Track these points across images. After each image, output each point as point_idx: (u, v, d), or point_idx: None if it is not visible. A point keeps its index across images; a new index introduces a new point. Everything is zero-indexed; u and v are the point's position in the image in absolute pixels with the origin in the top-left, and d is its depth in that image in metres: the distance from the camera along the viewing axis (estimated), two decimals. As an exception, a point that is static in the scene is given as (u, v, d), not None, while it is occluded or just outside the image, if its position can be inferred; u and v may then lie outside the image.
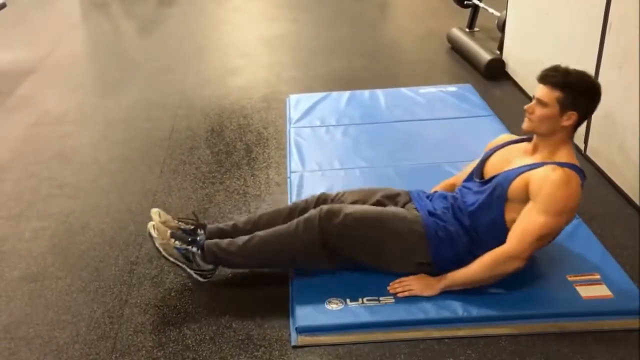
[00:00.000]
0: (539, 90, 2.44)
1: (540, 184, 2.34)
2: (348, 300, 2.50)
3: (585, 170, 3.40)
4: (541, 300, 2.49)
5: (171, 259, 2.58)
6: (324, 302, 2.49)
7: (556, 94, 2.39)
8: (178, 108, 4.57)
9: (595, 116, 3.45)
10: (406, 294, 2.50)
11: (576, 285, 2.53)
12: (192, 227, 2.73)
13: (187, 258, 2.59)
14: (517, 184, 2.41)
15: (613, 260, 2.69)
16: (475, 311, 2.42)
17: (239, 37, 6.38)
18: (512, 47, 4.89)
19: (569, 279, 2.58)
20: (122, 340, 2.43)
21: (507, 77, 4.84)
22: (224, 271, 2.77)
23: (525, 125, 2.49)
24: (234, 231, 2.74)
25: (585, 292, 2.50)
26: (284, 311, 2.52)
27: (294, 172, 3.52)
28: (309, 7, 7.24)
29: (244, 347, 2.37)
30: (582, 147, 3.64)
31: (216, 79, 5.16)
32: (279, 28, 6.51)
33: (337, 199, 2.78)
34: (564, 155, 2.43)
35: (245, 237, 2.61)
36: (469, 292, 2.47)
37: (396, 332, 2.38)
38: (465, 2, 6.02)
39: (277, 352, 2.33)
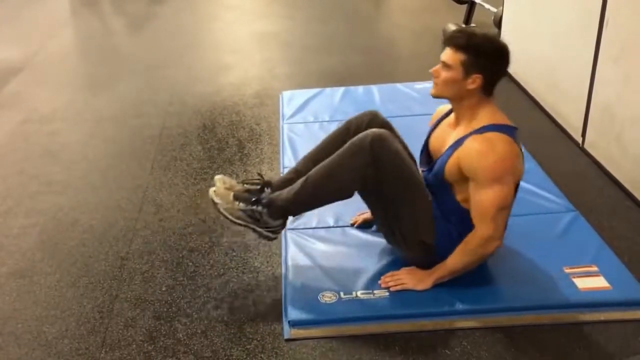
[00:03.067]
0: (443, 53, 2.37)
1: (469, 161, 2.29)
2: (341, 293, 2.46)
3: (583, 163, 3.45)
4: (537, 292, 2.45)
5: (239, 221, 2.50)
6: (317, 295, 2.45)
7: (460, 56, 2.32)
8: (169, 105, 4.53)
9: (593, 109, 3.46)
10: (398, 287, 2.46)
11: (573, 277, 2.50)
12: (259, 187, 2.60)
13: (254, 218, 2.50)
14: (449, 169, 2.37)
15: (611, 252, 2.66)
16: (470, 304, 2.39)
17: (231, 34, 6.34)
18: (509, 42, 4.83)
19: (566, 271, 2.54)
20: (112, 335, 2.39)
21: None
22: (215, 266, 2.73)
23: (432, 90, 2.44)
24: (297, 176, 2.61)
25: (582, 283, 2.47)
26: (277, 304, 2.48)
27: (287, 167, 3.46)
28: (302, 3, 7.20)
29: (236, 340, 2.33)
30: (579, 140, 3.61)
31: (208, 75, 5.12)
32: (271, 25, 6.47)
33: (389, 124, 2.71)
34: (482, 118, 2.36)
35: (301, 180, 2.51)
36: (463, 284, 2.44)
37: (390, 325, 2.35)
38: (461, -2, 5.99)
39: (269, 346, 2.30)
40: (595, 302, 2.40)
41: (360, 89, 4.51)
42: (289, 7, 7.07)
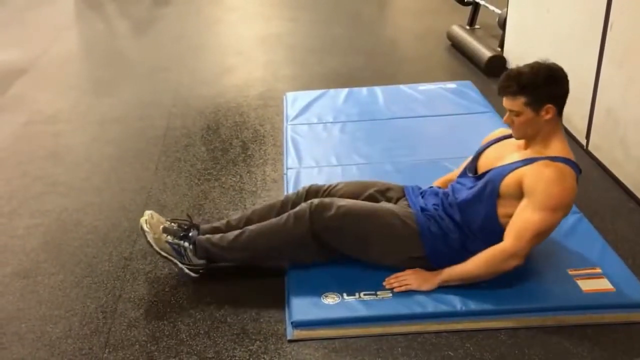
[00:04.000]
0: (505, 103, 2.40)
1: (535, 181, 2.31)
2: (344, 294, 2.46)
3: (587, 165, 3.44)
4: (541, 294, 2.45)
5: (163, 253, 2.57)
6: (320, 296, 2.45)
7: (521, 100, 2.34)
8: (173, 107, 4.53)
9: (597, 112, 3.45)
10: (403, 288, 2.46)
11: (577, 279, 2.50)
12: (186, 227, 2.69)
13: (179, 253, 2.58)
14: (509, 181, 2.37)
15: (614, 254, 2.65)
16: (474, 305, 2.38)
17: (234, 36, 6.35)
18: (513, 44, 4.86)
19: (570, 272, 2.54)
20: (115, 335, 2.39)
21: (507, 74, 4.81)
22: (218, 266, 2.73)
23: (514, 134, 2.47)
24: (228, 229, 2.71)
25: (586, 285, 2.46)
26: (280, 305, 2.48)
27: (291, 168, 3.48)
28: (305, 5, 7.21)
29: (239, 341, 2.33)
30: (583, 142, 3.61)
31: (212, 77, 5.13)
32: (275, 27, 6.47)
33: (329, 190, 2.75)
34: (557, 148, 2.39)
35: (236, 232, 2.59)
36: (467, 286, 2.44)
37: (393, 326, 2.35)
38: (466, 0, 5.98)
39: (272, 346, 2.30)
40: (599, 304, 2.39)
41: (364, 90, 4.51)
42: (293, 9, 7.07)
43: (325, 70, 5.17)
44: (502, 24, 5.09)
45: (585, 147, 3.60)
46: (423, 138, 3.81)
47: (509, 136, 2.62)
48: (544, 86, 2.34)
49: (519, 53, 4.72)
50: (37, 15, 7.30)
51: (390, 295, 2.45)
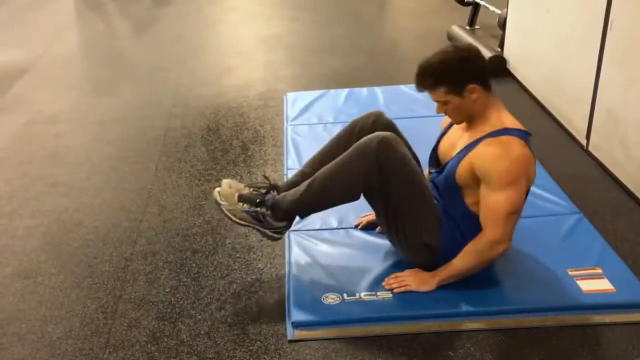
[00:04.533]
0: (429, 95, 2.40)
1: (482, 164, 2.29)
2: (345, 295, 2.46)
3: (587, 165, 3.45)
4: (541, 294, 2.45)
5: (242, 222, 2.50)
6: (321, 296, 2.45)
7: (440, 90, 2.33)
8: (173, 107, 4.53)
9: (597, 112, 3.45)
10: (402, 289, 2.46)
11: (577, 280, 2.50)
12: (264, 190, 2.59)
13: (258, 219, 2.50)
14: (461, 172, 2.36)
15: (615, 254, 2.65)
16: (474, 305, 2.39)
17: (235, 37, 6.35)
18: (513, 44, 4.86)
19: (570, 273, 2.54)
20: (115, 336, 2.39)
21: (508, 74, 4.81)
22: (219, 267, 2.73)
23: (453, 121, 2.47)
24: (303, 178, 2.61)
25: (586, 286, 2.47)
26: (280, 306, 2.48)
27: (291, 169, 3.47)
28: (306, 6, 7.21)
29: (240, 341, 2.33)
30: (584, 143, 3.61)
31: (212, 78, 5.13)
32: (275, 27, 6.48)
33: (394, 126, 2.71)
34: (494, 121, 2.36)
35: (306, 182, 2.51)
36: (467, 286, 2.43)
37: (393, 326, 2.35)
38: (466, 0, 5.98)
39: (272, 347, 2.29)
40: (599, 305, 2.39)
41: (364, 90, 4.52)
42: (293, 10, 7.08)
43: (326, 71, 5.17)
44: (502, 24, 5.09)
45: (585, 147, 3.60)
46: (423, 138, 3.79)
47: None
48: (458, 69, 2.31)
49: (519, 53, 4.72)
50: (38, 16, 7.30)
51: (391, 295, 2.45)
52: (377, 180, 2.41)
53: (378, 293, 2.46)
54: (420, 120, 4.00)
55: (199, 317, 2.46)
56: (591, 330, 2.32)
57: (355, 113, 4.10)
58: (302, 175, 2.65)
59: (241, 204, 2.51)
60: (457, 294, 2.42)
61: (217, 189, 2.53)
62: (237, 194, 2.52)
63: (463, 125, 2.48)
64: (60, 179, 3.61)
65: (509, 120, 2.37)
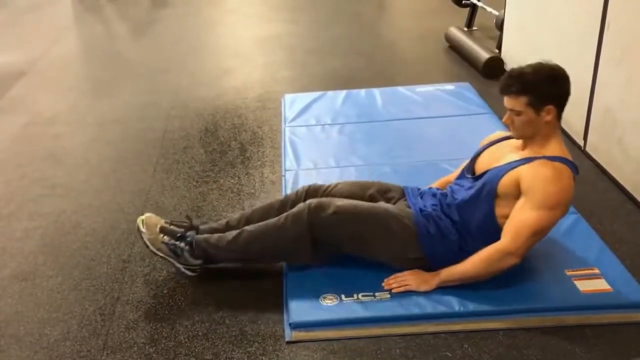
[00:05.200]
0: (506, 102, 2.40)
1: (532, 180, 2.31)
2: (343, 295, 2.46)
3: (585, 166, 3.45)
4: (539, 294, 2.45)
5: (159, 253, 2.58)
6: (319, 297, 2.46)
7: (523, 99, 2.34)
8: (171, 109, 4.54)
9: (595, 112, 3.46)
10: (401, 289, 2.46)
11: (575, 280, 2.50)
12: (184, 228, 2.68)
13: (176, 253, 2.58)
14: (506, 180, 2.38)
15: (612, 254, 2.66)
16: (472, 306, 2.39)
17: (233, 38, 6.35)
18: (511, 45, 4.87)
19: (568, 273, 2.54)
20: (113, 337, 2.39)
21: (505, 76, 4.81)
22: (216, 267, 2.73)
23: (513, 134, 2.47)
24: (227, 229, 2.71)
25: (583, 286, 2.47)
26: (278, 307, 2.48)
27: (289, 170, 3.48)
28: (304, 7, 7.22)
29: (238, 342, 2.33)
30: (581, 143, 3.62)
31: (210, 79, 5.13)
32: (274, 29, 6.48)
33: (329, 190, 2.75)
34: (554, 148, 2.39)
35: (234, 232, 2.59)
36: (465, 287, 2.44)
37: (391, 327, 2.35)
38: (464, 2, 5.99)
39: (270, 348, 2.30)
40: (596, 305, 2.40)
41: (362, 92, 4.52)
42: (291, 11, 7.08)
43: (324, 72, 5.17)
44: (500, 26, 5.10)
45: (582, 148, 3.60)
46: (421, 139, 3.81)
47: (507, 138, 2.62)
48: (546, 86, 2.34)
49: (517, 54, 4.73)
50: (37, 18, 7.31)
51: (389, 296, 2.45)
52: (318, 244, 2.51)
53: (376, 294, 2.46)
54: (418, 122, 4.02)
55: (197, 318, 2.46)
56: (589, 330, 2.32)
57: (353, 114, 4.15)
58: (226, 225, 2.74)
59: (162, 235, 2.59)
60: (454, 295, 2.42)
61: (142, 217, 2.63)
62: (159, 225, 2.61)
63: (517, 144, 2.50)
64: (58, 180, 3.61)
65: (564, 151, 2.41)
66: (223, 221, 2.79)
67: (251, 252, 2.58)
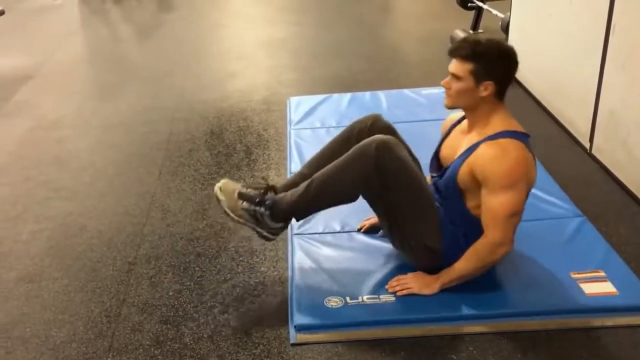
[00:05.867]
0: (451, 65, 2.37)
1: (481, 167, 2.29)
2: (347, 298, 2.46)
3: (591, 168, 3.45)
4: (544, 297, 2.45)
5: (240, 220, 2.51)
6: (323, 300, 2.46)
7: (468, 66, 2.32)
8: (177, 112, 4.54)
9: (600, 115, 3.45)
10: (404, 292, 2.46)
11: (580, 283, 2.50)
12: (262, 191, 2.59)
13: (256, 218, 2.51)
14: (462, 176, 2.36)
15: (618, 257, 2.65)
16: (477, 309, 2.39)
17: (238, 41, 6.36)
18: (517, 47, 4.81)
19: (573, 276, 2.54)
20: (119, 339, 2.40)
21: (510, 78, 4.81)
22: (222, 271, 2.74)
23: (445, 101, 2.44)
24: (302, 179, 2.61)
25: (588, 289, 2.46)
26: (283, 309, 2.49)
27: (294, 173, 3.47)
28: (309, 10, 7.23)
29: (243, 345, 2.33)
30: (587, 145, 3.61)
31: (215, 82, 5.14)
32: (278, 31, 6.49)
33: (392, 128, 2.72)
34: (496, 124, 2.35)
35: (305, 183, 2.51)
36: (470, 289, 2.44)
37: (396, 330, 2.35)
38: (469, 4, 5.99)
39: (275, 350, 2.30)
40: (602, 308, 2.39)
41: (367, 94, 4.53)
42: (296, 14, 7.09)
43: (329, 75, 5.18)
44: (505, 28, 5.09)
45: (588, 150, 3.60)
46: (426, 142, 3.79)
47: (458, 121, 2.59)
48: (495, 60, 2.32)
49: (522, 57, 4.70)
50: (42, 22, 7.33)
51: (393, 299, 2.45)
52: (375, 183, 2.42)
53: (381, 296, 2.46)
54: (423, 124, 4.01)
55: (202, 320, 2.47)
56: (594, 334, 2.32)
57: (358, 117, 4.12)
58: (301, 176, 2.66)
59: (241, 201, 2.51)
60: (459, 297, 2.42)
61: (218, 185, 2.54)
62: (237, 191, 2.53)
63: (464, 128, 2.49)
64: (64, 183, 3.62)
65: (508, 123, 2.37)
66: (298, 172, 2.75)
67: (326, 197, 2.52)
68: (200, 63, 5.68)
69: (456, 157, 2.43)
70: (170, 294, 2.63)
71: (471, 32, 5.86)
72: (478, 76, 2.31)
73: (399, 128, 3.92)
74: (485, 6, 5.78)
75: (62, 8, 7.88)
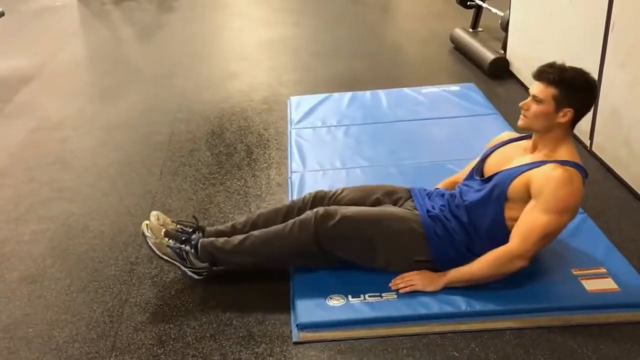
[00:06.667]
0: (534, 87, 2.41)
1: (542, 183, 2.31)
2: (349, 296, 2.47)
3: (591, 166, 3.45)
4: (545, 294, 2.45)
5: (164, 257, 2.58)
6: (325, 298, 2.46)
7: (551, 90, 2.35)
8: (178, 112, 4.55)
9: (600, 113, 3.46)
10: (408, 289, 2.47)
11: (582, 279, 2.50)
12: (191, 229, 2.70)
13: (181, 257, 2.58)
14: (517, 183, 2.38)
15: (619, 254, 2.65)
16: (478, 306, 2.39)
17: (239, 42, 6.37)
18: (516, 46, 4.87)
19: (575, 273, 2.54)
20: (122, 339, 2.40)
21: (512, 76, 4.82)
22: (224, 270, 2.74)
23: (521, 121, 2.46)
24: (233, 232, 2.72)
25: (590, 285, 2.47)
26: (285, 307, 2.49)
27: (295, 172, 3.49)
28: (309, 11, 7.24)
29: (245, 343, 2.34)
30: (587, 143, 3.62)
31: (216, 83, 5.15)
32: (279, 32, 6.50)
33: (335, 196, 2.75)
34: (565, 152, 2.40)
35: (241, 236, 2.60)
36: (472, 287, 2.44)
37: (398, 327, 2.35)
38: (469, 3, 6.00)
39: (278, 349, 2.30)
40: (603, 304, 2.39)
41: (367, 94, 4.53)
42: (296, 15, 7.10)
43: (330, 75, 5.18)
44: (505, 27, 5.10)
45: (589, 148, 3.60)
46: (427, 141, 3.82)
47: (515, 139, 2.63)
48: (579, 90, 2.36)
49: (522, 55, 4.73)
50: (43, 23, 7.34)
51: (395, 296, 2.45)
52: (317, 252, 2.51)
53: (383, 294, 2.47)
54: (423, 123, 4.02)
55: (205, 319, 2.47)
56: (596, 330, 2.32)
57: (359, 116, 4.16)
58: (232, 228, 2.74)
59: (167, 239, 2.59)
60: (461, 295, 2.43)
61: (146, 222, 2.63)
62: (163, 230, 2.61)
63: (526, 146, 2.52)
64: (66, 184, 3.63)
65: (575, 156, 2.42)
66: (229, 224, 2.80)
67: (257, 257, 2.59)
68: (201, 64, 5.69)
69: (511, 166, 2.45)
70: (172, 293, 2.64)
71: (471, 30, 5.87)
72: (559, 102, 2.35)
73: (399, 127, 3.97)
74: (484, 4, 5.79)
75: (62, 9, 7.90)
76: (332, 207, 2.57)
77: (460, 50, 5.49)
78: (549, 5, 4.17)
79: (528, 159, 2.45)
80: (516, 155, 2.52)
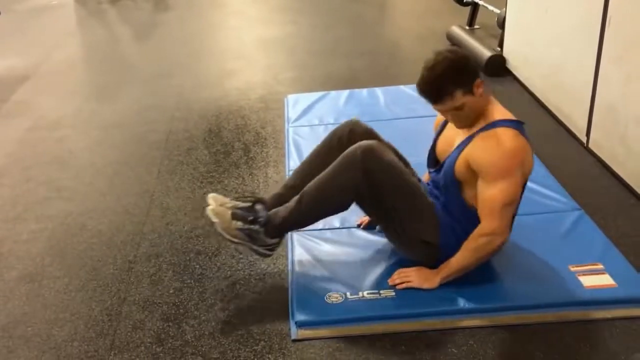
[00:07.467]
0: (442, 107, 2.35)
1: (477, 158, 2.31)
2: (348, 293, 2.47)
3: (588, 162, 3.47)
4: (543, 290, 2.46)
5: (235, 240, 2.51)
6: (324, 295, 2.47)
7: (458, 94, 2.29)
8: (175, 111, 4.55)
9: (597, 109, 3.47)
10: (404, 285, 2.48)
11: (579, 275, 2.51)
12: (250, 203, 2.61)
13: (252, 237, 2.52)
14: (459, 167, 2.38)
15: (616, 249, 2.66)
16: (476, 302, 2.40)
17: (236, 40, 6.37)
18: (513, 43, 4.87)
19: (572, 269, 2.55)
20: (120, 337, 2.41)
21: (508, 73, 4.82)
22: (222, 268, 2.75)
23: (459, 126, 2.42)
24: (288, 192, 2.65)
25: (587, 281, 2.48)
26: (284, 305, 2.50)
27: (292, 170, 3.48)
28: (306, 9, 7.23)
29: (244, 341, 2.34)
30: (584, 140, 3.62)
31: (213, 81, 5.15)
32: (276, 30, 6.50)
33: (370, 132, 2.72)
34: (489, 114, 2.37)
35: (295, 198, 2.53)
36: (469, 283, 2.45)
37: (397, 324, 2.36)
38: (465, 0, 6.00)
39: (277, 346, 2.31)
40: (600, 300, 2.41)
41: (364, 91, 4.54)
42: (293, 13, 7.10)
43: (327, 72, 5.18)
44: (501, 24, 5.10)
45: (585, 145, 3.61)
46: (424, 138, 3.80)
47: None
48: (465, 68, 2.32)
49: (519, 52, 4.74)
50: (40, 23, 7.34)
51: (394, 294, 2.46)
52: (365, 189, 2.44)
53: (381, 291, 2.48)
54: (421, 120, 4.01)
55: (203, 317, 2.48)
56: (593, 326, 2.33)
57: (356, 114, 4.15)
58: (287, 188, 2.70)
59: (235, 221, 2.52)
60: (459, 292, 2.44)
61: (210, 207, 2.55)
62: (230, 212, 2.54)
63: None
64: (64, 183, 3.63)
65: (500, 113, 2.39)
66: (283, 183, 2.78)
67: (318, 212, 2.56)
68: (198, 62, 5.69)
69: (452, 150, 2.45)
70: (171, 291, 2.65)
71: (467, 27, 5.87)
72: (464, 92, 2.30)
73: (397, 124, 3.97)
74: (481, 2, 5.79)
75: (59, 9, 7.89)
76: (375, 144, 2.48)
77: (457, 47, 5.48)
78: (545, 2, 4.18)
79: (462, 135, 2.43)
80: (453, 135, 2.50)
